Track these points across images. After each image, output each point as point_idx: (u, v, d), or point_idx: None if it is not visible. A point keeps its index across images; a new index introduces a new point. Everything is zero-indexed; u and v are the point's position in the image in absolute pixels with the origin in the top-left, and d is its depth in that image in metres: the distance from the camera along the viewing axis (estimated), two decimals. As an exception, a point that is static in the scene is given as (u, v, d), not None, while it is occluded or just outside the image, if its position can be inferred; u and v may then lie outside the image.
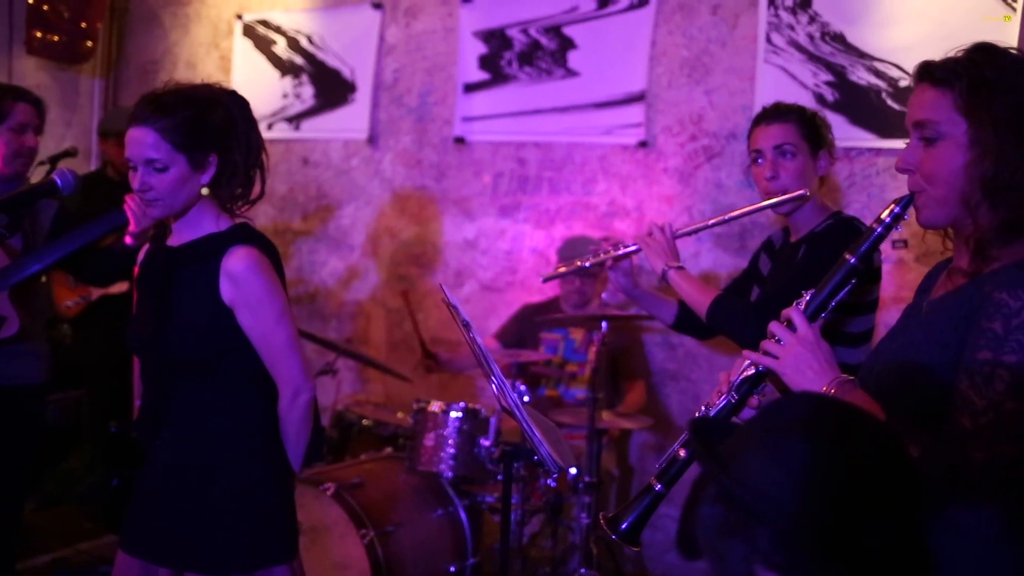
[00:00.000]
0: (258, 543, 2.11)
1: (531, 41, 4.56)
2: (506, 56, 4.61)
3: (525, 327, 4.26)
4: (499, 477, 3.52)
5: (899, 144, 3.75)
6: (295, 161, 5.21)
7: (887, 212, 1.56)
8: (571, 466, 1.90)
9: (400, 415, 3.98)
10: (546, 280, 2.98)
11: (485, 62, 4.66)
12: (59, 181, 2.34)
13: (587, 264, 2.86)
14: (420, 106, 4.87)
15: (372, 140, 4.97)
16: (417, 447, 3.43)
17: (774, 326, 1.58)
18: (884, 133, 3.79)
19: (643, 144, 4.31)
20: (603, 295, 3.93)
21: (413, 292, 4.89)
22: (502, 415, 3.51)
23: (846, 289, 1.57)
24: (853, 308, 2.49)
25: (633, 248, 2.76)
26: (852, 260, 1.56)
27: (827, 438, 1.05)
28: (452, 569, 3.41)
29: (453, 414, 3.44)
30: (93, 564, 4.03)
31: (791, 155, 2.56)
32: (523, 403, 1.90)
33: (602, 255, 2.83)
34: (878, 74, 3.81)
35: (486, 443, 3.39)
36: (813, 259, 2.49)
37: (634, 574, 4.16)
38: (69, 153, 4.09)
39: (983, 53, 1.50)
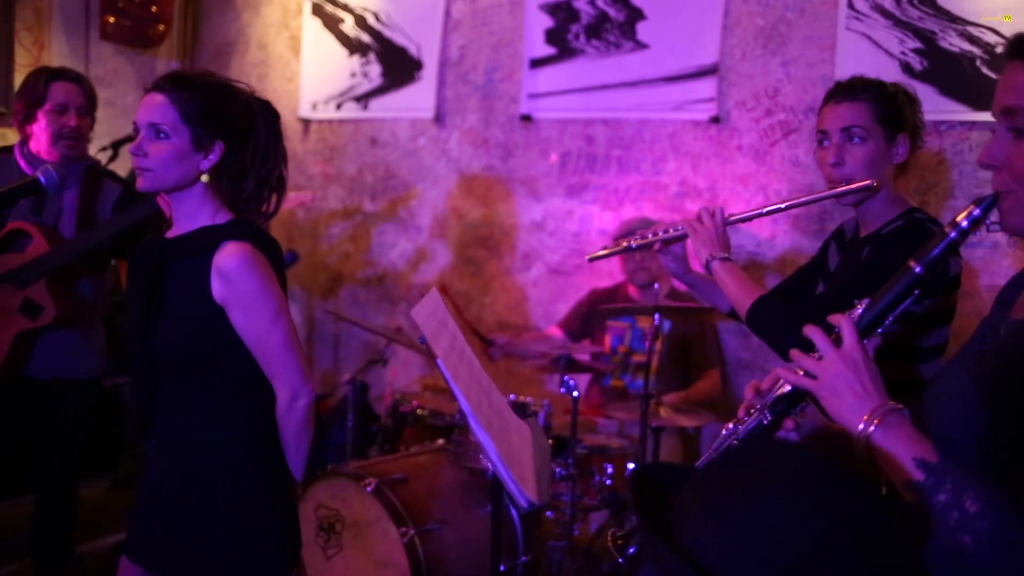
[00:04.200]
0: (246, 555, 2.01)
1: (599, 12, 4.33)
2: (573, 29, 4.41)
3: (591, 315, 4.07)
4: (558, 472, 3.37)
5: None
6: (363, 141, 5.12)
7: (964, 215, 1.29)
8: (545, 499, 1.72)
9: (457, 405, 3.85)
10: (591, 260, 2.80)
11: (551, 36, 4.47)
12: (43, 179, 2.27)
13: (633, 246, 2.66)
14: (486, 83, 4.71)
15: (439, 119, 4.84)
16: (463, 441, 3.31)
17: (816, 336, 1.32)
18: (978, 105, 3.45)
19: (715, 120, 4.05)
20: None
21: (480, 275, 4.77)
22: (552, 409, 3.36)
23: (908, 301, 1.32)
24: (928, 320, 2.20)
25: (681, 232, 2.56)
26: (917, 269, 1.30)
27: (798, 505, 0.86)
28: (502, 568, 3.28)
29: (500, 407, 3.29)
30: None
31: (860, 140, 2.25)
32: (531, 423, 1.73)
33: (650, 237, 2.63)
34: (972, 40, 3.47)
35: (533, 439, 3.25)
36: (874, 266, 2.20)
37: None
38: (131, 138, 4.07)
39: None
